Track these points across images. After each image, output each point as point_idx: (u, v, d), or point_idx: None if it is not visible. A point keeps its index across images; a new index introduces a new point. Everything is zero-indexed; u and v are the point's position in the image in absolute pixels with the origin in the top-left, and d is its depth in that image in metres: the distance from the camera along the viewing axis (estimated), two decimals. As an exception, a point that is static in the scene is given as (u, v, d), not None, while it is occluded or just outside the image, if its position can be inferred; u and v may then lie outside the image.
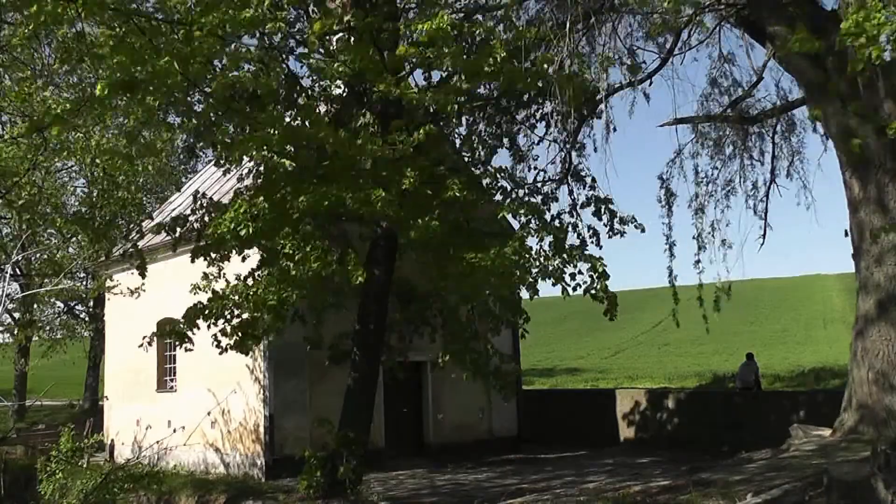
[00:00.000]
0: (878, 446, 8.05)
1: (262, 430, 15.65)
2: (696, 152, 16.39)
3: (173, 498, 14.22)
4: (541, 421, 20.42)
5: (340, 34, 12.06)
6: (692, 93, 34.03)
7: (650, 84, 15.13)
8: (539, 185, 13.82)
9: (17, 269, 24.78)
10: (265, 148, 10.46)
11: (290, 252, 11.44)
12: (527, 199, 12.93)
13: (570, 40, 12.24)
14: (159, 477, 12.66)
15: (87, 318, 27.96)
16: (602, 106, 13.96)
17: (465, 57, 11.06)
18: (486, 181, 13.26)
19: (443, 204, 11.45)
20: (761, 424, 16.40)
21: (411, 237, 11.49)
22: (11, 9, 9.33)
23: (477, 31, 11.86)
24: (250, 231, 10.82)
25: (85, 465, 13.52)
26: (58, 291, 21.20)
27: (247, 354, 12.99)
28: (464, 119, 14.25)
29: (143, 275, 12.96)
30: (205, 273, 12.53)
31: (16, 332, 24.66)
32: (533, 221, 11.99)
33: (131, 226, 17.04)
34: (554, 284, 11.92)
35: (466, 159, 13.93)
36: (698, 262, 15.67)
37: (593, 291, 11.79)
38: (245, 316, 12.34)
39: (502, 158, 54.77)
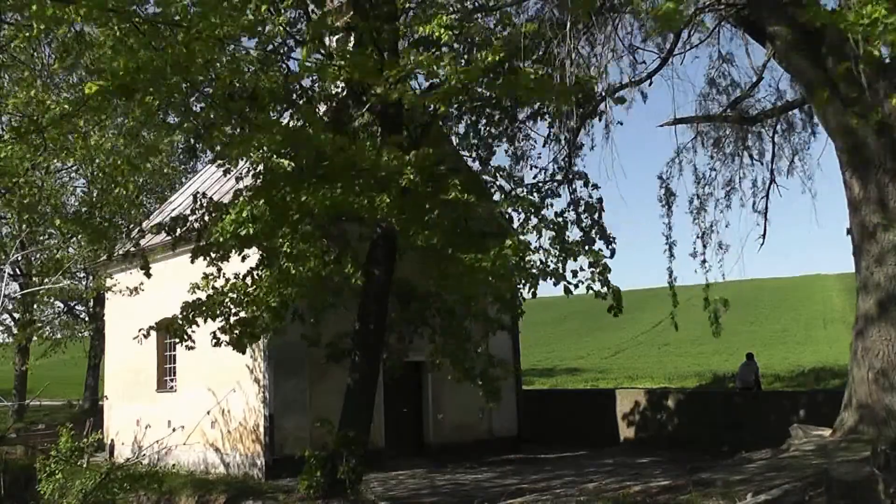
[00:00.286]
0: (878, 446, 8.05)
1: (262, 429, 15.64)
2: (695, 151, 16.45)
3: (173, 498, 14.20)
4: (541, 421, 20.41)
5: (341, 34, 12.06)
6: (692, 93, 34.01)
7: (650, 84, 15.17)
8: (540, 184, 13.85)
9: (17, 269, 24.81)
10: (263, 149, 10.46)
11: (290, 251, 11.44)
12: (525, 195, 12.96)
13: (570, 40, 12.24)
14: (159, 477, 12.61)
15: (86, 318, 27.98)
16: (602, 106, 13.99)
17: (462, 63, 11.03)
18: (484, 178, 13.28)
19: (443, 204, 11.44)
20: (761, 424, 16.40)
21: (411, 241, 11.50)
22: (11, 9, 9.31)
23: (476, 32, 11.87)
24: (250, 232, 10.82)
25: (85, 465, 13.51)
26: (57, 291, 21.19)
27: (243, 352, 12.98)
28: (464, 118, 14.26)
29: (147, 274, 12.96)
30: (205, 273, 12.53)
31: (16, 332, 24.69)
32: (532, 218, 12.01)
33: (131, 226, 17.04)
34: (555, 284, 11.94)
35: (466, 158, 13.94)
36: (704, 261, 15.72)
37: (595, 289, 11.78)
38: (243, 314, 12.34)
39: (502, 159, 54.79)
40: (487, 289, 12.34)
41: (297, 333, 14.14)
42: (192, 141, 12.69)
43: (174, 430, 15.83)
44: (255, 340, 12.88)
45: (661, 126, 15.76)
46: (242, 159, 11.57)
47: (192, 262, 12.63)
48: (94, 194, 17.56)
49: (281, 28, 11.02)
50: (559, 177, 14.27)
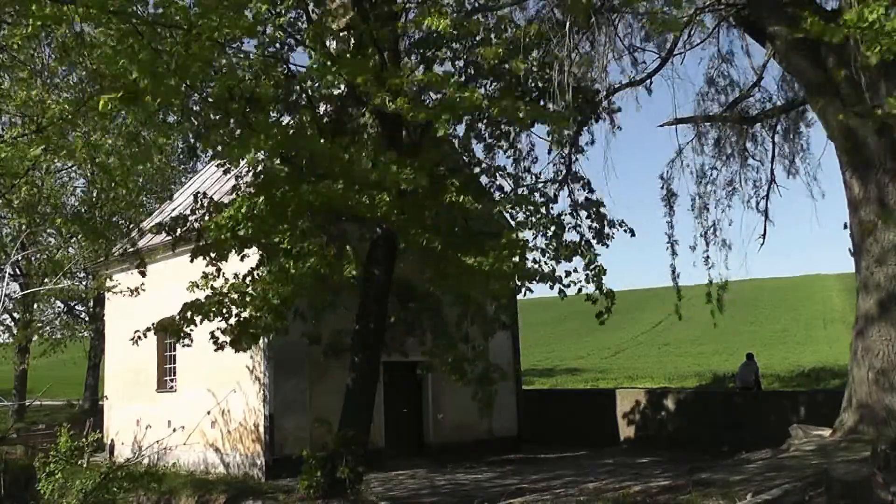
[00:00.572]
0: (878, 446, 8.06)
1: (262, 429, 15.64)
2: (696, 150, 16.44)
3: (173, 498, 14.21)
4: (541, 421, 20.41)
5: (341, 34, 12.05)
6: (693, 92, 34.00)
7: (650, 84, 15.17)
8: (540, 185, 13.84)
9: (17, 269, 24.80)
10: (262, 151, 10.44)
11: (289, 248, 11.43)
12: (525, 194, 12.95)
13: (569, 40, 12.23)
14: (159, 477, 12.63)
15: (87, 318, 27.97)
16: (602, 105, 13.98)
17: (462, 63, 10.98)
18: (483, 178, 13.27)
19: (442, 205, 11.44)
20: (761, 424, 16.40)
21: (410, 242, 11.49)
22: (10, 7, 9.30)
23: (476, 30, 11.85)
24: (249, 230, 10.81)
25: (85, 465, 13.51)
26: (58, 291, 21.19)
27: (245, 352, 12.97)
28: (464, 118, 14.23)
29: (143, 274, 12.96)
30: (204, 272, 12.52)
31: (16, 332, 24.69)
32: (532, 217, 12.00)
33: (130, 225, 17.04)
34: (551, 287, 11.94)
35: (465, 159, 13.92)
36: (707, 258, 15.72)
37: (589, 291, 11.78)
38: (244, 315, 12.33)
39: (501, 159, 54.71)
40: (486, 289, 12.33)
41: (298, 333, 14.13)
42: (193, 141, 12.68)
43: (174, 430, 15.77)
44: (255, 341, 12.87)
45: (662, 126, 15.79)
46: (242, 159, 11.55)
47: (192, 261, 12.63)
48: (94, 194, 17.55)
49: (281, 33, 11.01)
50: (559, 178, 14.25)
